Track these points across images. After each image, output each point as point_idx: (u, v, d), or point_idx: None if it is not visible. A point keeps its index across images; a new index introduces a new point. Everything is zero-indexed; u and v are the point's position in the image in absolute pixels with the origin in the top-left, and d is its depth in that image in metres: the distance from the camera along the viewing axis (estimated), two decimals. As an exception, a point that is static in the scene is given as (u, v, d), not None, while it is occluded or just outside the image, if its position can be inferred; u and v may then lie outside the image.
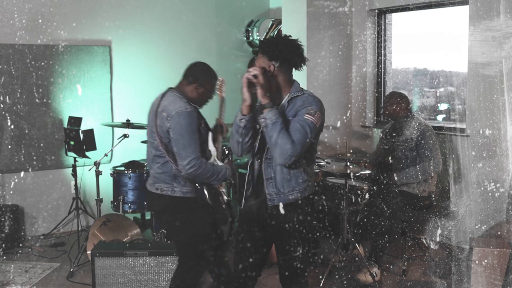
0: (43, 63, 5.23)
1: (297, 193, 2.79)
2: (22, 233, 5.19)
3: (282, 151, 2.65)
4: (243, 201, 2.96)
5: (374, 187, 4.40)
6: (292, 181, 2.78)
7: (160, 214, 3.40)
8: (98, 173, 4.70)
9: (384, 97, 4.61)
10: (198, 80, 3.23)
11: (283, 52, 2.74)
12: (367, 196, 4.27)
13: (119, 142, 4.81)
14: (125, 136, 4.76)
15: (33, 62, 5.18)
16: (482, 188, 4.48)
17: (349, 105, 5.74)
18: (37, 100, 5.24)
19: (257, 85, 2.68)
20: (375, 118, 5.69)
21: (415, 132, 4.39)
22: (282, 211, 2.80)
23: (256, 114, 2.79)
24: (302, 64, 2.83)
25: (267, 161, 2.81)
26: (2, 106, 5.07)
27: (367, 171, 4.47)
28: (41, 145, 5.30)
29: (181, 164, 3.07)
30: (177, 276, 3.34)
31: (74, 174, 4.84)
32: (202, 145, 3.15)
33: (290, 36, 2.84)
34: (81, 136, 4.56)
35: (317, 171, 4.57)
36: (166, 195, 3.17)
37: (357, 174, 4.36)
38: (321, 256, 4.49)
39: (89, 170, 5.06)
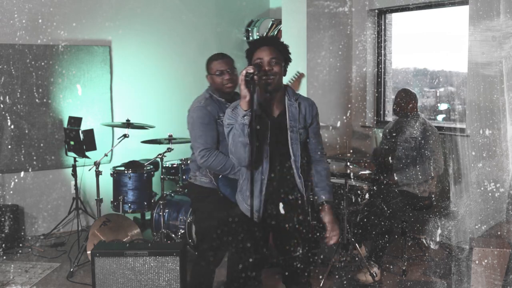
0: (43, 63, 5.23)
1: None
2: (22, 233, 5.19)
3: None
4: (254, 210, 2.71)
5: (374, 187, 4.40)
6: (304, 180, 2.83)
7: (190, 201, 3.91)
8: (98, 173, 4.69)
9: (396, 93, 4.59)
10: (207, 70, 3.38)
11: (286, 52, 2.75)
12: (367, 196, 4.27)
13: (119, 142, 4.81)
14: (125, 136, 4.76)
15: (33, 62, 5.18)
16: (482, 188, 4.48)
17: (349, 105, 5.73)
18: (37, 100, 5.24)
19: (256, 84, 2.57)
20: (375, 118, 5.69)
21: (415, 131, 4.38)
22: (282, 211, 2.79)
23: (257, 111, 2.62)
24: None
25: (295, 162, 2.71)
26: (2, 106, 5.07)
27: (367, 171, 4.47)
28: (41, 145, 5.29)
29: (195, 154, 3.24)
30: (193, 270, 3.47)
31: (74, 174, 4.84)
32: (217, 137, 3.24)
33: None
34: (81, 136, 4.55)
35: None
36: (192, 183, 3.44)
37: (357, 174, 4.36)
38: (321, 256, 4.49)
39: (89, 170, 5.06)
